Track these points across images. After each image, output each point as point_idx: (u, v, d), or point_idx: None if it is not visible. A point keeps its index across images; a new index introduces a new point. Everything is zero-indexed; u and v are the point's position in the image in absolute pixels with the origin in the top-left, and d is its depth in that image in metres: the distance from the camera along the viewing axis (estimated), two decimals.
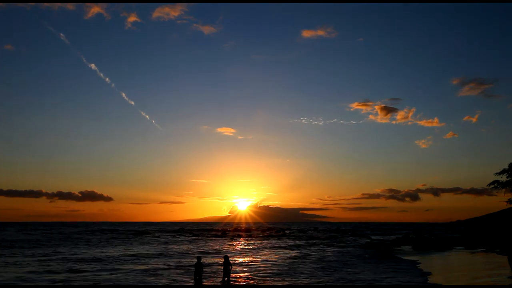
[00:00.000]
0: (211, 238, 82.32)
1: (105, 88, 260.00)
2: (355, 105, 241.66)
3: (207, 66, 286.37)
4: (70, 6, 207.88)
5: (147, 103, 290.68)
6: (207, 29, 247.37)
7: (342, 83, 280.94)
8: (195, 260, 22.59)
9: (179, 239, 77.71)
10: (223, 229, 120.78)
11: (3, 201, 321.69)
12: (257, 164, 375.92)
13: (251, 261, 35.72)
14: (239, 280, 24.58)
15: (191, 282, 23.25)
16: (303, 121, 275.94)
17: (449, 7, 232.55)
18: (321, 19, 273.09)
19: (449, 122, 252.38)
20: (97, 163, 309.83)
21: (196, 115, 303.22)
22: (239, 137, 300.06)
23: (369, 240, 69.72)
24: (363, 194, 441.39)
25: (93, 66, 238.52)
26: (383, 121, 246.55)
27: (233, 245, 61.08)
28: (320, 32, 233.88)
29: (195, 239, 78.23)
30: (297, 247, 56.10)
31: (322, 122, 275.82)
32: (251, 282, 23.95)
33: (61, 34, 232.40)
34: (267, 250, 49.87)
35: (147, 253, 43.15)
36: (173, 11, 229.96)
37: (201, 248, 53.57)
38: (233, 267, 28.97)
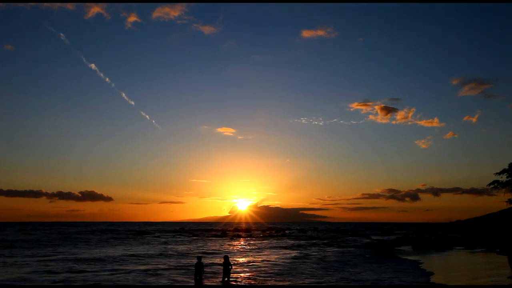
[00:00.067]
0: (211, 238, 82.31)
1: (105, 88, 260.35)
2: (355, 105, 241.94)
3: (207, 66, 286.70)
4: (70, 6, 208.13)
5: (147, 103, 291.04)
6: (207, 29, 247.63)
7: (342, 83, 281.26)
8: (195, 260, 22.59)
9: (179, 239, 77.71)
10: (223, 229, 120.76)
11: (3, 201, 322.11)
12: (257, 164, 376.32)
13: (252, 261, 35.70)
14: (241, 280, 24.57)
15: (192, 282, 23.24)
16: (303, 121, 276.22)
17: (449, 7, 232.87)
18: (321, 19, 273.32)
19: (449, 122, 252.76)
20: (97, 163, 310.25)
21: (196, 115, 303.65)
22: (239, 137, 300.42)
23: (369, 240, 69.73)
24: (363, 194, 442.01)
25: (93, 66, 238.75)
26: (383, 121, 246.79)
27: (233, 245, 61.06)
28: (320, 32, 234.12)
29: (195, 239, 78.22)
30: (298, 247, 56.08)
31: (322, 122, 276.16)
32: (253, 282, 23.94)
33: (61, 34, 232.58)
34: (268, 250, 49.85)
35: (147, 253, 43.14)
36: (173, 11, 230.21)
37: (201, 248, 53.55)
38: (234, 267, 28.97)
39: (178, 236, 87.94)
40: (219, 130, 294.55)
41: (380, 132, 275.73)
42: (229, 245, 61.06)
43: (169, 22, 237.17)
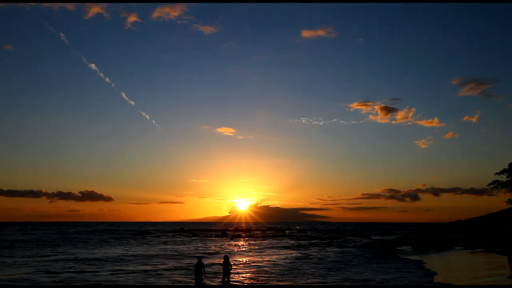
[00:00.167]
0: (211, 238, 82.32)
1: (105, 88, 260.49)
2: (355, 105, 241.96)
3: (207, 66, 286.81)
4: (70, 6, 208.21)
5: (147, 103, 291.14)
6: (207, 29, 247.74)
7: (342, 83, 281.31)
8: (195, 260, 22.58)
9: (179, 239, 77.70)
10: (223, 229, 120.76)
11: (3, 201, 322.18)
12: (257, 164, 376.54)
13: (253, 261, 35.69)
14: (242, 280, 24.56)
15: (192, 282, 23.23)
16: (303, 121, 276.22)
17: (449, 7, 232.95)
18: (321, 19, 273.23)
19: (449, 122, 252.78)
20: (97, 163, 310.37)
21: (196, 115, 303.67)
22: (239, 137, 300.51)
23: (369, 240, 69.74)
24: (363, 194, 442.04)
25: (93, 66, 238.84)
26: (383, 121, 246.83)
27: (233, 245, 61.05)
28: (320, 32, 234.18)
29: (195, 239, 78.22)
30: (298, 247, 56.07)
31: (322, 122, 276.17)
32: (255, 282, 23.89)
33: (61, 34, 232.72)
34: (268, 250, 49.84)
35: (147, 253, 43.14)
36: (173, 11, 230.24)
37: (201, 248, 53.55)
38: (235, 267, 28.98)
39: (178, 236, 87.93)
40: (219, 130, 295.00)
41: (380, 132, 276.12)
42: (229, 245, 61.05)
43: (169, 22, 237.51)
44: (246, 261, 36.34)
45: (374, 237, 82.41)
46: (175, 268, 30.20)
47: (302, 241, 69.31)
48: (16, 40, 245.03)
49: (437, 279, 24.38)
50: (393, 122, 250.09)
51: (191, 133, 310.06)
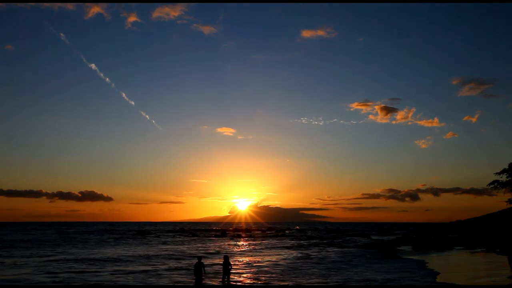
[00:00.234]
0: (211, 238, 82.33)
1: (105, 88, 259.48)
2: (355, 105, 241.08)
3: (207, 66, 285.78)
4: (70, 6, 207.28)
5: (147, 103, 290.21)
6: (207, 29, 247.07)
7: (342, 83, 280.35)
8: (195, 260, 22.58)
9: (179, 239, 77.70)
10: (223, 229, 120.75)
11: (3, 201, 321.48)
12: (257, 164, 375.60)
13: (253, 261, 35.69)
14: (243, 280, 24.55)
15: (192, 282, 23.23)
16: (303, 121, 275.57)
17: (449, 7, 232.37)
18: (321, 19, 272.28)
19: (449, 122, 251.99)
20: (97, 163, 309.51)
21: (196, 115, 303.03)
22: (239, 137, 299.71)
23: (369, 240, 69.74)
24: (363, 194, 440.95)
25: (93, 66, 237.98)
26: (383, 121, 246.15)
27: (233, 245, 61.06)
28: (320, 32, 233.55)
29: (195, 239, 78.23)
30: (298, 247, 56.08)
31: (322, 122, 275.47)
32: (256, 282, 23.89)
33: (61, 34, 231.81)
34: (268, 250, 49.85)
35: (147, 253, 43.13)
36: (173, 11, 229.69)
37: (201, 248, 53.55)
38: (236, 267, 28.96)
39: (178, 236, 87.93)
40: (219, 130, 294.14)
41: (380, 132, 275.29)
42: (229, 245, 61.05)
43: (169, 22, 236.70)
44: (246, 261, 36.34)
45: (374, 237, 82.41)
46: (175, 268, 30.19)
47: (302, 241, 69.32)
48: (16, 40, 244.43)
49: (440, 279, 24.39)
50: (393, 122, 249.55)
51: (191, 133, 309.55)
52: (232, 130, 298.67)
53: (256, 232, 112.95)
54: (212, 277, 25.11)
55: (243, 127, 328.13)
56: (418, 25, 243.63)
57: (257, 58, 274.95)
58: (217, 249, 51.94)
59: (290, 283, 23.34)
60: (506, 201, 49.71)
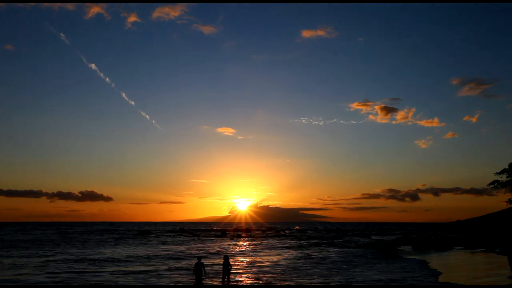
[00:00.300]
0: (211, 238, 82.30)
1: (105, 88, 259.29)
2: (355, 105, 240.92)
3: (207, 66, 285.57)
4: (70, 6, 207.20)
5: (147, 103, 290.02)
6: (207, 29, 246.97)
7: (342, 83, 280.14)
8: (195, 260, 22.57)
9: (179, 239, 77.68)
10: (223, 229, 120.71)
11: (3, 201, 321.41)
12: (257, 164, 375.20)
13: (254, 262, 35.67)
14: (245, 280, 24.53)
15: (192, 282, 23.23)
16: (303, 121, 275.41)
17: (449, 7, 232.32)
18: (321, 19, 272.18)
19: (449, 122, 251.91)
20: (97, 163, 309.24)
21: (196, 115, 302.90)
22: (239, 137, 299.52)
23: (369, 240, 69.73)
24: (363, 194, 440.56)
25: (93, 66, 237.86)
26: (383, 121, 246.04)
27: (233, 245, 61.04)
28: (320, 32, 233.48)
29: (195, 239, 78.22)
30: (299, 247, 56.07)
31: (322, 122, 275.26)
32: (258, 282, 23.86)
33: (61, 34, 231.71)
34: (268, 250, 49.85)
35: (147, 253, 43.13)
36: (173, 11, 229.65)
37: (201, 248, 53.54)
38: (237, 267, 28.94)
39: (178, 236, 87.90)
40: (219, 130, 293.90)
41: (380, 132, 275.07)
42: (229, 245, 61.04)
43: (169, 22, 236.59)
44: (247, 261, 36.33)
45: (374, 237, 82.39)
46: (175, 268, 30.19)
47: (302, 241, 69.30)
48: (16, 40, 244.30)
49: (442, 278, 24.40)
50: (393, 122, 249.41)
51: (191, 133, 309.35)
52: (232, 130, 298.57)
53: (256, 232, 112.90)
54: (212, 277, 25.11)
55: (243, 127, 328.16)
56: (418, 25, 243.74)
57: (257, 58, 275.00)
58: (217, 249, 51.92)
59: (292, 283, 23.33)
60: (506, 201, 49.73)
